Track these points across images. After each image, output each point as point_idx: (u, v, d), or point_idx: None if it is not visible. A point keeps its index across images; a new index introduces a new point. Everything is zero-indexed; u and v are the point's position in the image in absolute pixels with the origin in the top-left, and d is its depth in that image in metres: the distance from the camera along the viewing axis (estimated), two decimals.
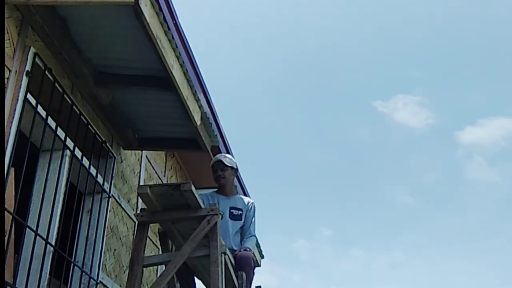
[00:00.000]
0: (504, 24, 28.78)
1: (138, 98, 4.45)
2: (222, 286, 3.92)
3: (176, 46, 3.73)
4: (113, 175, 4.74)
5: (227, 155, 5.10)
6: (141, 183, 5.37)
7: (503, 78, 31.09)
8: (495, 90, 31.69)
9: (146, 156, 5.62)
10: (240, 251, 4.67)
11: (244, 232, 4.94)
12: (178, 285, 4.73)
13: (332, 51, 30.44)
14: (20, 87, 3.34)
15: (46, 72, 3.63)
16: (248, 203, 4.99)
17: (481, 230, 32.22)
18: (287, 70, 30.94)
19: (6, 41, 3.24)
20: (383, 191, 32.65)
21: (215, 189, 5.02)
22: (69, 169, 4.02)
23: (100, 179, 4.49)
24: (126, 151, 5.08)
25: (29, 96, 3.44)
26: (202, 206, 4.23)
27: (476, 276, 30.18)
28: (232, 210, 4.86)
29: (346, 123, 32.59)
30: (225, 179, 4.90)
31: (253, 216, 4.98)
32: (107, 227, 4.62)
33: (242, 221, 4.89)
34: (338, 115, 32.20)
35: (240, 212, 4.89)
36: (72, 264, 4.15)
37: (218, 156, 5.01)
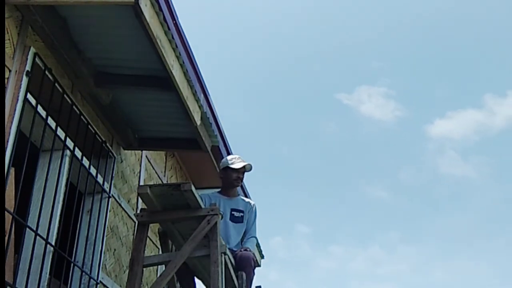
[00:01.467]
0: (469, 13, 28.16)
1: (138, 98, 4.45)
2: (222, 286, 3.92)
3: (176, 46, 3.73)
4: (113, 175, 4.74)
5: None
6: (141, 183, 5.37)
7: (470, 69, 30.52)
8: (462, 82, 30.97)
9: (146, 156, 5.62)
10: (240, 251, 4.67)
11: (245, 233, 4.95)
12: (178, 285, 4.73)
13: (289, 42, 29.47)
14: (20, 87, 3.34)
15: (46, 72, 3.63)
16: (249, 204, 5.00)
17: (458, 226, 31.68)
18: (248, 64, 30.27)
19: (6, 41, 3.24)
20: (357, 186, 31.85)
21: (217, 189, 5.03)
22: (69, 169, 4.02)
23: (100, 179, 4.49)
24: (126, 151, 5.08)
25: (29, 96, 3.44)
26: (202, 206, 4.24)
27: (460, 274, 29.78)
28: (233, 212, 4.86)
29: (312, 117, 31.59)
30: (240, 183, 5.00)
31: (254, 217, 4.99)
32: (107, 227, 4.62)
33: (243, 223, 4.89)
34: (303, 109, 31.11)
35: (241, 214, 4.89)
36: (72, 264, 4.15)
37: (248, 162, 4.99)
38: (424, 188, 31.84)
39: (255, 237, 4.98)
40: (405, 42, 30.13)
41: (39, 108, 3.58)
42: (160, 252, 5.12)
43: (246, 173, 5.05)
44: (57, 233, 3.79)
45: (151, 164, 5.75)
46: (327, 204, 32.05)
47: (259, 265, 8.62)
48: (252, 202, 5.06)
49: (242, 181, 5.01)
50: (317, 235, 31.93)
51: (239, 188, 6.39)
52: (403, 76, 31.02)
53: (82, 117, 4.16)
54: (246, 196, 6.71)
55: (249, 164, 4.97)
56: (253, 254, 4.72)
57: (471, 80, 30.94)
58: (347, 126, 31.49)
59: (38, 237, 3.52)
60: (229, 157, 5.10)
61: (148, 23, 3.25)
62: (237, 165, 4.91)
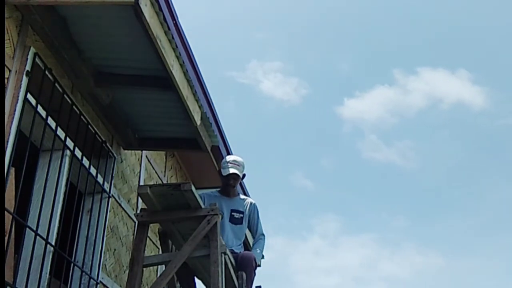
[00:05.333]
0: None
1: (138, 98, 4.45)
2: (222, 286, 3.92)
3: (176, 46, 3.73)
4: (113, 175, 4.74)
5: (238, 160, 4.99)
6: (141, 183, 5.37)
7: (372, 43, 28.01)
8: (365, 57, 28.63)
9: (146, 156, 5.62)
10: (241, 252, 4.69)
11: (253, 233, 4.98)
12: (178, 285, 4.73)
13: None
14: (20, 87, 3.34)
15: (46, 72, 3.63)
16: (249, 204, 5.00)
17: (396, 215, 30.39)
18: None
19: (6, 41, 3.24)
20: (278, 174, 29.17)
21: (217, 189, 5.03)
22: (69, 169, 4.02)
23: (100, 179, 4.49)
24: (126, 151, 5.08)
25: (29, 96, 3.44)
26: (202, 206, 4.24)
27: (409, 265, 28.59)
28: (233, 213, 4.86)
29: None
30: (234, 188, 4.96)
31: (258, 216, 5.01)
32: (107, 227, 4.62)
33: (243, 225, 4.89)
34: None
35: (241, 215, 4.89)
36: (72, 264, 4.15)
37: (232, 165, 4.89)
38: (349, 175, 30.02)
39: (263, 235, 4.99)
40: (289, 9, 26.93)
41: (39, 108, 3.58)
42: (160, 252, 5.11)
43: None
44: (57, 233, 3.79)
45: (151, 164, 5.75)
46: (252, 194, 30.16)
47: (259, 265, 8.61)
48: (252, 202, 5.06)
49: (233, 186, 4.92)
50: None
51: (238, 187, 6.40)
52: (295, 48, 27.88)
53: (82, 117, 4.16)
54: (245, 194, 6.70)
55: (234, 174, 4.84)
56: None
57: (375, 56, 28.36)
58: (248, 107, 28.59)
59: (38, 237, 3.52)
60: (225, 159, 5.05)
61: (148, 23, 3.25)
62: (224, 171, 4.89)
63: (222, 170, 4.93)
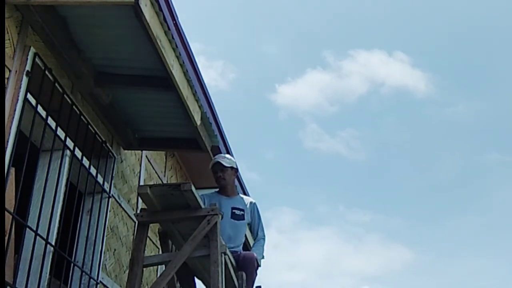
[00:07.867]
0: None
1: (138, 98, 4.45)
2: (222, 286, 3.92)
3: (176, 46, 3.73)
4: (113, 175, 4.74)
5: (226, 155, 5.08)
6: (141, 183, 5.37)
7: (298, 23, 26.68)
8: (293, 39, 27.03)
9: (146, 156, 5.62)
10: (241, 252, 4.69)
11: (254, 233, 4.96)
12: (178, 285, 4.73)
13: None
14: (20, 87, 3.34)
15: (46, 72, 3.63)
16: (250, 203, 4.99)
17: (347, 205, 29.71)
18: None
19: (6, 41, 3.24)
20: None
21: (216, 189, 5.02)
22: (69, 169, 4.02)
23: (100, 179, 4.49)
24: (126, 151, 5.08)
25: (29, 96, 3.44)
26: (202, 206, 4.24)
27: (372, 258, 28.24)
28: (234, 211, 4.85)
29: None
30: (225, 180, 4.88)
31: (259, 216, 4.99)
32: (107, 227, 4.62)
33: (245, 221, 4.89)
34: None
35: (242, 212, 4.88)
36: (72, 264, 4.15)
37: (217, 157, 4.99)
38: (294, 166, 28.95)
39: (264, 235, 4.98)
40: None
41: (39, 108, 3.58)
42: (160, 252, 5.11)
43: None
44: (57, 233, 3.79)
45: (151, 164, 5.75)
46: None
47: (259, 265, 8.60)
48: (252, 200, 5.06)
49: (223, 179, 4.86)
50: None
51: (238, 187, 6.40)
52: (215, 28, 26.48)
53: (82, 117, 4.16)
54: (245, 194, 6.70)
55: (212, 161, 4.89)
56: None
57: (301, 38, 26.86)
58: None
59: (38, 237, 3.52)
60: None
61: (148, 23, 3.25)
62: (210, 165, 4.92)
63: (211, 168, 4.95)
